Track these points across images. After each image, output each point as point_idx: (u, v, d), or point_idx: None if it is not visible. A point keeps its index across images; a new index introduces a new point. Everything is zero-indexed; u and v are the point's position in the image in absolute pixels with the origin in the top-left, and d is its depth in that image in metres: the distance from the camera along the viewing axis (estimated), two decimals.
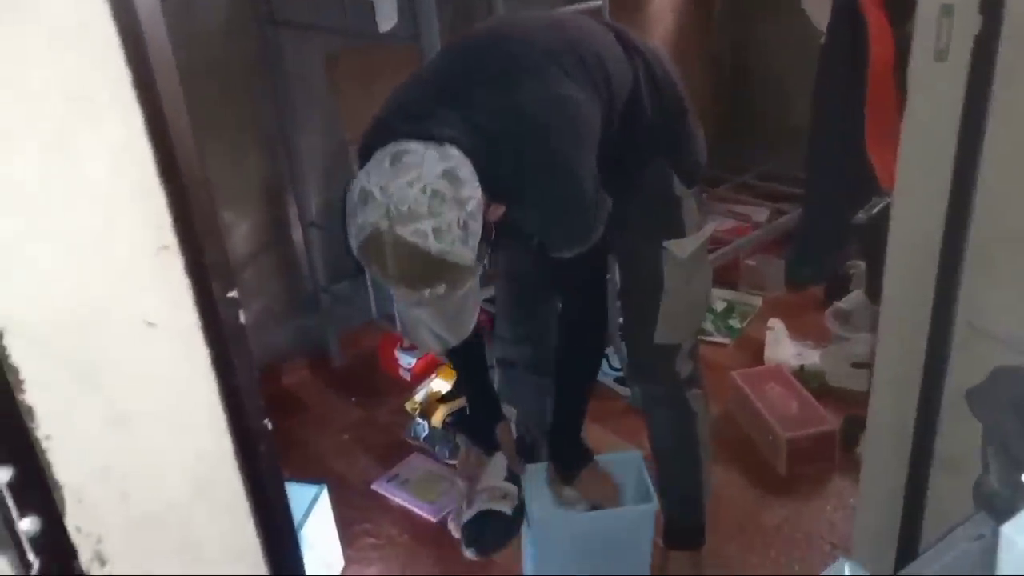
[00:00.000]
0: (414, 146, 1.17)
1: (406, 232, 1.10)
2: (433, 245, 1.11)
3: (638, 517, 1.62)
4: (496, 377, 1.87)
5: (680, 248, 1.54)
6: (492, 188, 1.21)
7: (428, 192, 1.11)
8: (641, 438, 2.08)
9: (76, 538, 0.55)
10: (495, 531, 1.59)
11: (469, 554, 1.58)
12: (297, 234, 2.59)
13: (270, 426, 0.70)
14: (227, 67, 2.34)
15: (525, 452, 1.69)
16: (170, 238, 0.55)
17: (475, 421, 1.68)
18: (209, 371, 0.59)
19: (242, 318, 0.66)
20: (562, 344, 1.58)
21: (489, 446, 1.64)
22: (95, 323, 0.54)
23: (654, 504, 1.60)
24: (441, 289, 1.16)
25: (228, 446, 0.61)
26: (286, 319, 2.66)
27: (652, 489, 1.62)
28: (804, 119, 2.04)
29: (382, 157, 1.16)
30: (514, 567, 1.85)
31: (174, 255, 0.55)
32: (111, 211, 0.54)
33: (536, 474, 1.65)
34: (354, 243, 1.17)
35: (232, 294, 0.65)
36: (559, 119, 1.27)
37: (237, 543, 0.64)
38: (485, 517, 1.58)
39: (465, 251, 1.14)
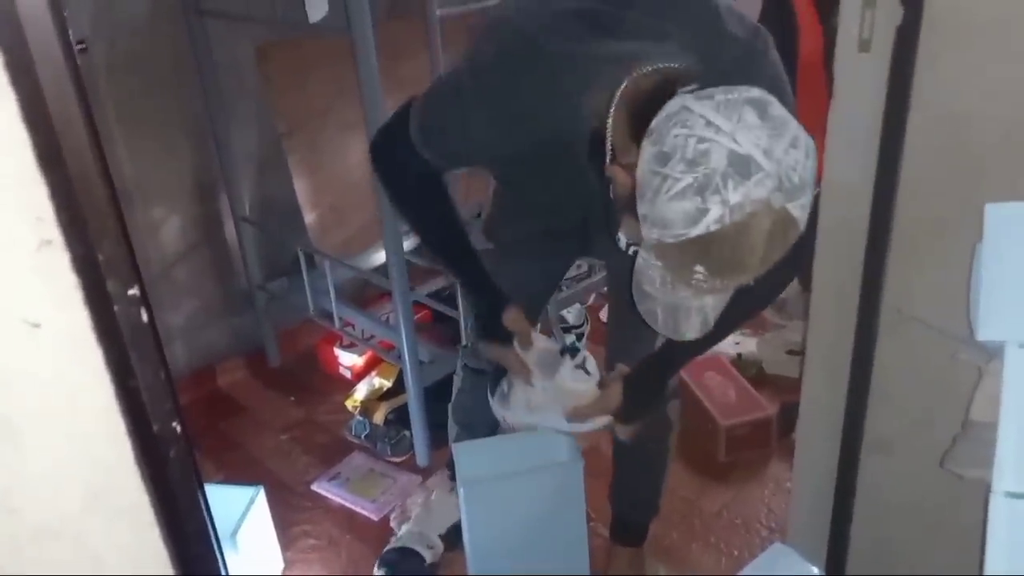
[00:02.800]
0: (759, 92, 0.93)
1: (794, 208, 0.90)
2: (803, 221, 0.92)
3: (564, 472, 1.56)
4: (457, 382, 1.81)
5: None
6: None
7: (810, 156, 0.91)
8: None
9: None
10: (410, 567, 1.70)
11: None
12: (230, 230, 2.52)
13: (179, 429, 0.66)
14: (153, 59, 2.25)
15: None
16: (54, 232, 0.51)
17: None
18: (104, 373, 0.55)
19: (145, 316, 0.63)
20: None
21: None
22: None
23: (581, 461, 1.55)
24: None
25: (128, 452, 0.58)
26: (221, 318, 2.59)
27: (577, 447, 1.57)
28: None
29: (737, 105, 0.90)
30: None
31: (59, 250, 0.51)
32: None
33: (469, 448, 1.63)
34: (705, 223, 0.88)
35: (133, 291, 0.62)
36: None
37: (141, 552, 0.61)
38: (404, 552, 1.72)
39: None
